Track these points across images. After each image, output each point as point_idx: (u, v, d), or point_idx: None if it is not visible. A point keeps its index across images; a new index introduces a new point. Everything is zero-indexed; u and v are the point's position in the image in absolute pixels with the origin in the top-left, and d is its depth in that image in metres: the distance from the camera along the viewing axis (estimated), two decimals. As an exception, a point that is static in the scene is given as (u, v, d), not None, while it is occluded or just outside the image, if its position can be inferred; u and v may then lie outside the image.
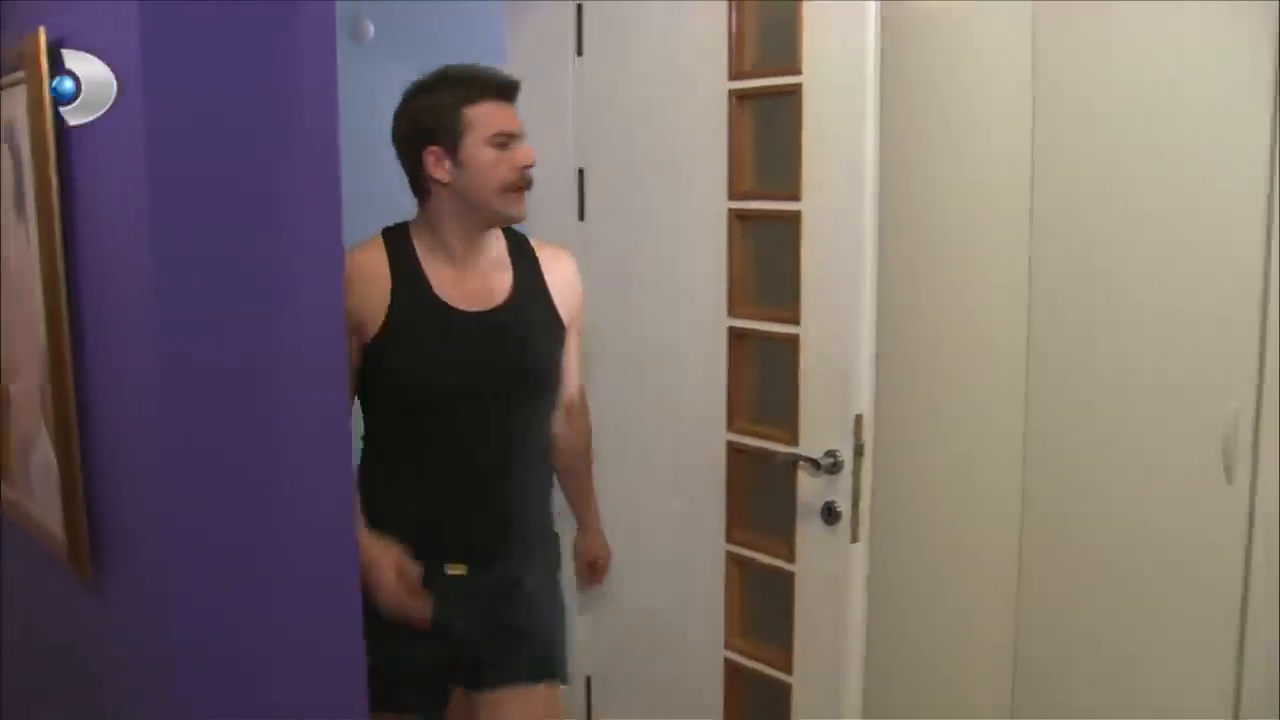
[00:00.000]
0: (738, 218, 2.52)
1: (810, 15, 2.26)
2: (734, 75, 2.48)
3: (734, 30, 2.48)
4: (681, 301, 2.69)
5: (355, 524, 1.86)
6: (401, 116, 2.18)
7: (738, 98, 2.48)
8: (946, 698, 2.54)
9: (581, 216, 2.90)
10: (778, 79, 2.38)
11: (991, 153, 2.39)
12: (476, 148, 2.11)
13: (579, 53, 2.84)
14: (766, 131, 2.49)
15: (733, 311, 2.54)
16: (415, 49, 4.35)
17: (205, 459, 1.56)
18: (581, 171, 2.89)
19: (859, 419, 2.23)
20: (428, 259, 2.16)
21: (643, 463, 2.81)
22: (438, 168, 2.12)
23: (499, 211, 2.15)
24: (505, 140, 2.13)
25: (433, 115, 2.13)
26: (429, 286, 2.15)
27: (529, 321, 2.22)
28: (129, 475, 1.67)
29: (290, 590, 1.66)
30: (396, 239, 2.18)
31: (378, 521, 2.09)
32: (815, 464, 2.29)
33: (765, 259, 2.53)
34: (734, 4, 2.47)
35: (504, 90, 2.16)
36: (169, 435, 1.54)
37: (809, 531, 2.36)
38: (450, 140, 2.11)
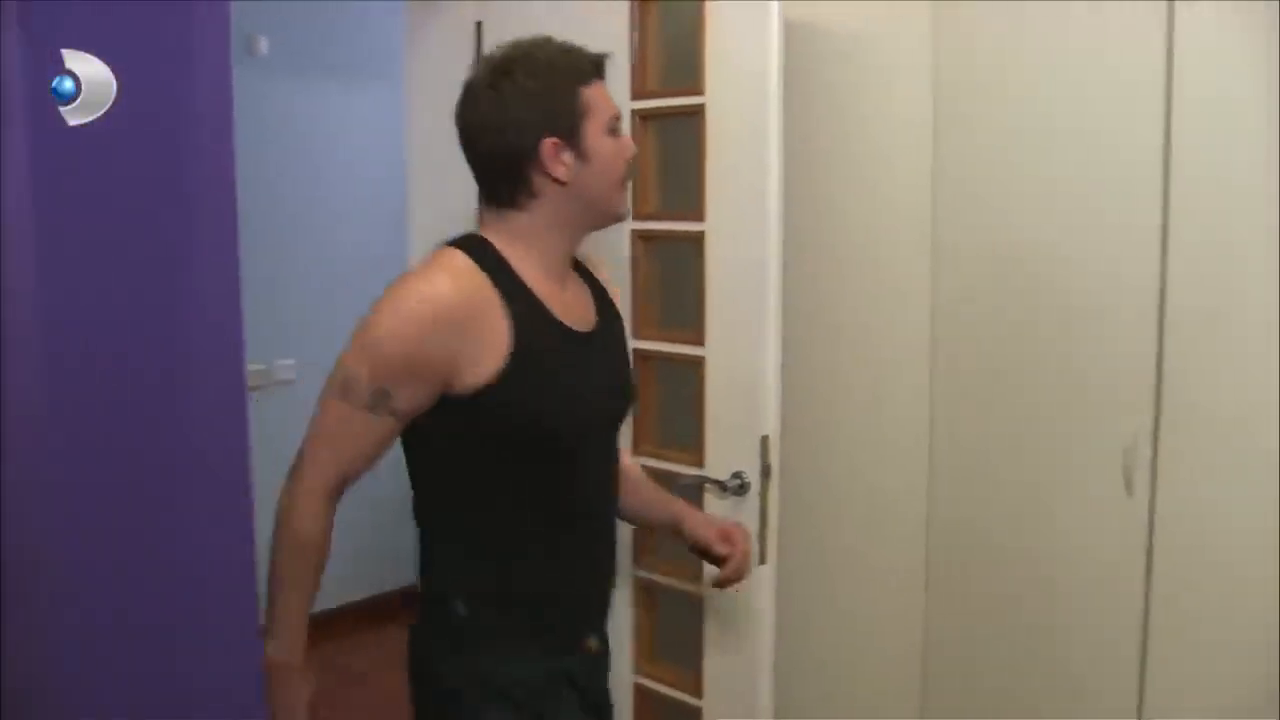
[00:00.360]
0: (641, 238, 2.51)
1: (713, 35, 2.26)
2: (636, 95, 2.46)
3: (636, 50, 2.47)
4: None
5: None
6: (489, 102, 1.75)
7: (641, 117, 2.47)
8: (857, 715, 2.54)
9: (483, 238, 2.85)
10: (681, 99, 2.37)
11: (893, 168, 2.42)
12: (597, 137, 1.77)
13: (479, 72, 2.80)
14: (670, 151, 2.48)
15: (637, 333, 2.52)
16: (310, 65, 4.31)
17: (97, 477, 1.52)
18: (482, 192, 2.84)
19: (765, 440, 2.22)
20: (531, 276, 1.77)
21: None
22: (557, 163, 1.74)
23: (615, 211, 1.84)
24: (617, 126, 1.82)
25: (548, 98, 1.74)
26: (547, 309, 1.77)
27: (621, 337, 1.97)
28: (14, 500, 1.61)
29: (188, 606, 1.62)
30: (484, 256, 1.74)
31: (508, 613, 1.79)
32: (722, 486, 2.28)
33: (669, 280, 2.52)
34: (636, 23, 2.46)
35: (603, 68, 1.82)
36: (58, 452, 1.49)
37: (717, 554, 2.34)
38: (569, 128, 1.74)
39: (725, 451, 2.31)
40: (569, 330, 1.79)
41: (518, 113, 1.73)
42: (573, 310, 1.82)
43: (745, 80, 2.20)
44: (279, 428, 3.77)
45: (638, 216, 2.49)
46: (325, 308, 4.18)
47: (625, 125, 2.44)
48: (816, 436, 2.50)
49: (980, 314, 2.33)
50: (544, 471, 1.78)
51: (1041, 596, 2.29)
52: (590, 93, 1.77)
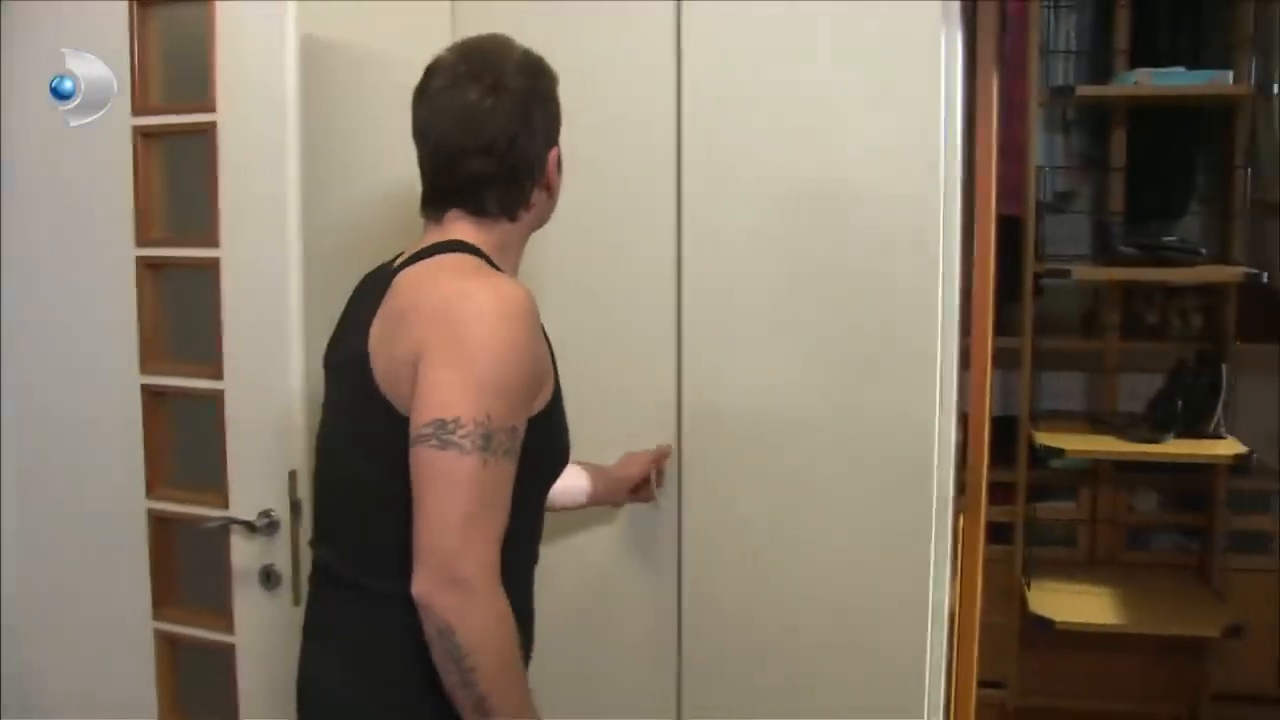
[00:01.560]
0: (147, 266, 2.32)
1: (224, 47, 2.12)
2: (138, 111, 2.28)
3: (136, 62, 2.27)
4: (86, 361, 2.43)
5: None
6: (508, 108, 1.59)
7: (143, 135, 2.28)
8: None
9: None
10: (189, 116, 2.21)
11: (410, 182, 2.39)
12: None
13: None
14: (179, 172, 2.31)
15: (146, 368, 2.33)
16: None
17: None
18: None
19: (293, 475, 2.12)
20: None
21: (54, 542, 2.51)
22: (554, 174, 1.67)
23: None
24: None
25: (556, 105, 1.66)
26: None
27: None
28: None
29: None
30: (491, 265, 1.62)
31: None
32: (250, 526, 2.16)
33: (182, 310, 2.35)
34: (135, 31, 2.26)
35: None
36: None
37: (247, 599, 2.21)
38: (557, 137, 1.68)
39: (251, 490, 2.18)
40: None
41: (538, 119, 1.63)
42: None
43: (260, 97, 2.08)
44: None
45: (142, 243, 2.31)
46: None
47: (124, 147, 2.28)
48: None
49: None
50: (537, 501, 1.68)
51: (581, 596, 2.36)
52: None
